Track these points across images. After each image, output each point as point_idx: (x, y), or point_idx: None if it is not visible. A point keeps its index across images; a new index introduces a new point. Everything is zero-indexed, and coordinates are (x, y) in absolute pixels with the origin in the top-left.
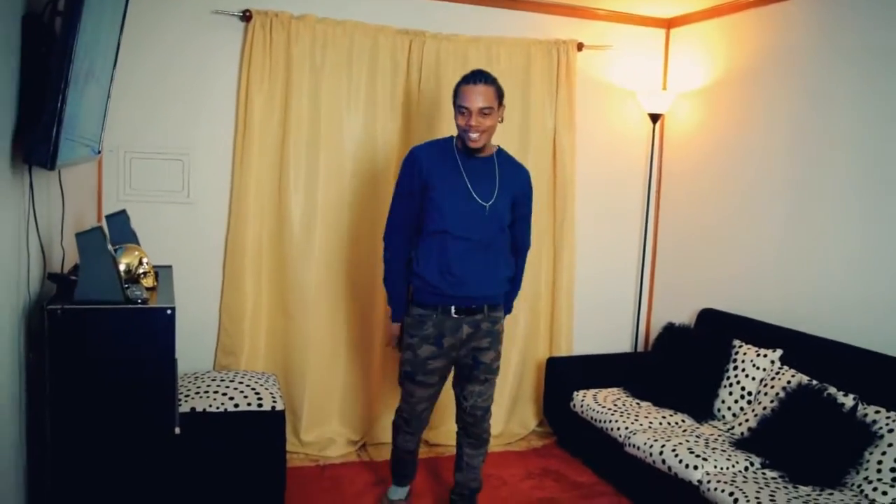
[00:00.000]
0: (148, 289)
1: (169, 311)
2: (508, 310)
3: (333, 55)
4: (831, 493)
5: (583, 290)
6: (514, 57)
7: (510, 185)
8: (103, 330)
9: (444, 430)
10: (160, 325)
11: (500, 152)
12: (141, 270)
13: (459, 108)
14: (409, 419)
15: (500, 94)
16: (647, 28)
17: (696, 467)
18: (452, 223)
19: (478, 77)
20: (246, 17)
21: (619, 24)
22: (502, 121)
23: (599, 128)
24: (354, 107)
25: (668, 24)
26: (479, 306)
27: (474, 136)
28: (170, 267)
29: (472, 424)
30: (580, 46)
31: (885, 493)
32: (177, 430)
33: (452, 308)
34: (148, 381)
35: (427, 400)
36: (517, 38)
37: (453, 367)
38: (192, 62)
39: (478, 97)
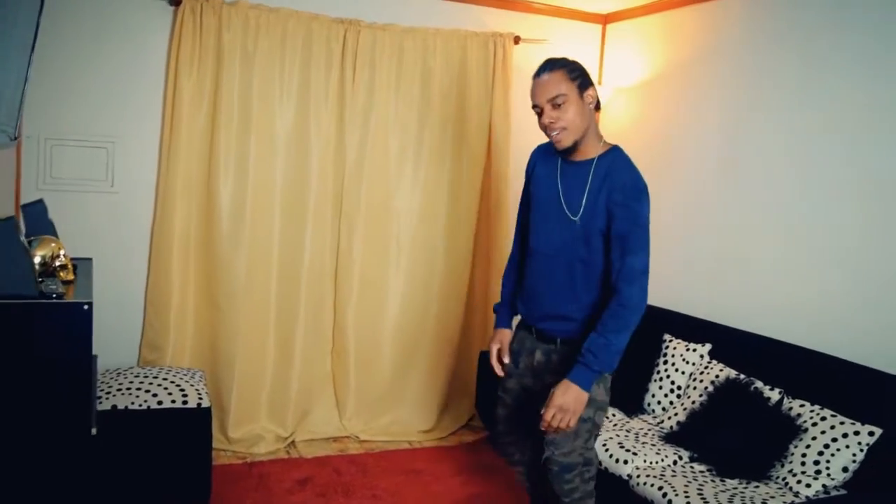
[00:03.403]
0: (65, 282)
1: (86, 307)
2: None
3: (266, 43)
4: (757, 486)
5: None
6: (451, 49)
7: (602, 194)
8: (14, 325)
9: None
10: (76, 320)
11: (608, 155)
12: (58, 263)
13: (534, 110)
14: (492, 440)
15: (575, 76)
16: (584, 23)
17: (625, 462)
18: (537, 238)
19: (541, 68)
20: (175, 0)
21: (556, 18)
22: (598, 107)
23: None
24: (287, 96)
25: (605, 19)
26: (552, 336)
27: (555, 134)
28: (90, 260)
29: (547, 480)
30: (517, 40)
31: (808, 486)
32: (93, 431)
33: (533, 328)
34: (62, 380)
35: (505, 422)
36: (453, 30)
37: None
38: (118, 46)
39: (544, 88)
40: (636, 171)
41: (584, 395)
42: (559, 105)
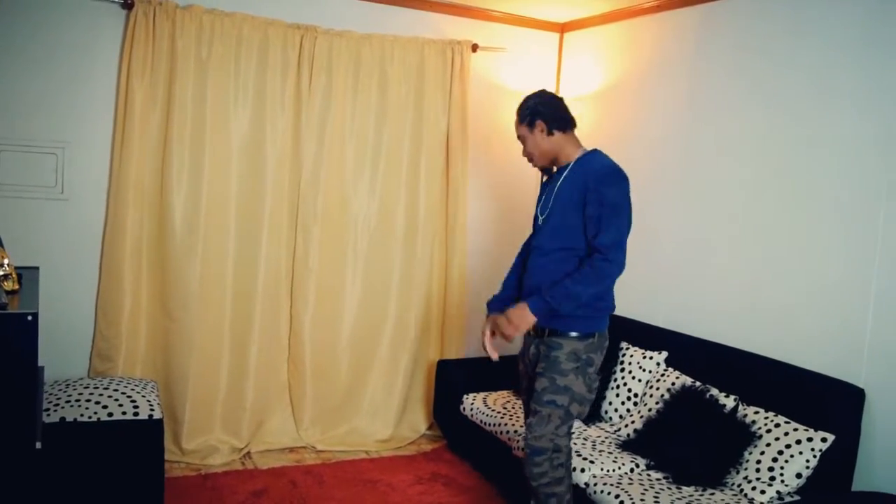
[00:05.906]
0: (9, 293)
1: (30, 318)
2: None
3: (221, 48)
4: (713, 493)
5: (475, 291)
6: (408, 56)
7: (570, 190)
8: None
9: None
10: (20, 331)
11: (582, 158)
12: (1, 273)
13: None
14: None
15: (523, 118)
16: (542, 31)
17: (583, 470)
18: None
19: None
20: (128, 4)
21: (514, 26)
22: (552, 133)
23: (492, 128)
24: (242, 102)
25: (562, 28)
26: (542, 327)
27: (528, 160)
28: (36, 269)
29: (521, 465)
30: (475, 47)
31: (763, 492)
32: (38, 445)
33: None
34: (5, 393)
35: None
36: (411, 37)
37: None
38: (69, 50)
39: (515, 130)
40: (608, 160)
41: (530, 318)
42: (523, 143)
